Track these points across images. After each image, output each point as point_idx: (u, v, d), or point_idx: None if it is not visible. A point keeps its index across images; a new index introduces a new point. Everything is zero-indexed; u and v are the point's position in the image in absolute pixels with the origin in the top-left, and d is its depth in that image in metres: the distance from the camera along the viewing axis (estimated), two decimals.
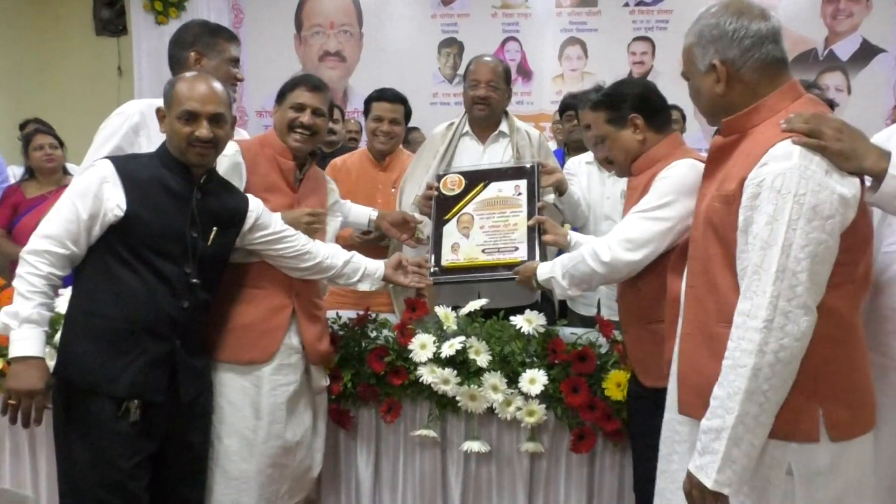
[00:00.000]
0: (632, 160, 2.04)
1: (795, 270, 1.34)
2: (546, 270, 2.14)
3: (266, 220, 2.08)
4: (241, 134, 2.52)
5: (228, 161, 2.11)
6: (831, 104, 2.66)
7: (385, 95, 3.16)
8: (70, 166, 3.98)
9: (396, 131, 3.15)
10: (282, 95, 2.25)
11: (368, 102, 3.21)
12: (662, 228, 1.89)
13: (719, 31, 1.52)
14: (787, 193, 1.35)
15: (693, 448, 1.52)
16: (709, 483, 1.39)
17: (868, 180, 1.46)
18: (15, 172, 4.22)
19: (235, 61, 2.44)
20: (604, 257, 1.95)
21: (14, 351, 1.78)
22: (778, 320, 1.34)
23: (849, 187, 1.38)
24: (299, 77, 2.27)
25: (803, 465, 1.42)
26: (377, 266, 2.32)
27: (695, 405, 1.52)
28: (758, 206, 1.38)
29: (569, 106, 3.84)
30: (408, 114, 3.21)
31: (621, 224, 1.98)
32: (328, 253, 2.21)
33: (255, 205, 2.07)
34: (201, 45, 2.38)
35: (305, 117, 2.19)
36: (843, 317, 1.43)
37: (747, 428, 1.37)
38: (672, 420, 1.67)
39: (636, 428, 2.09)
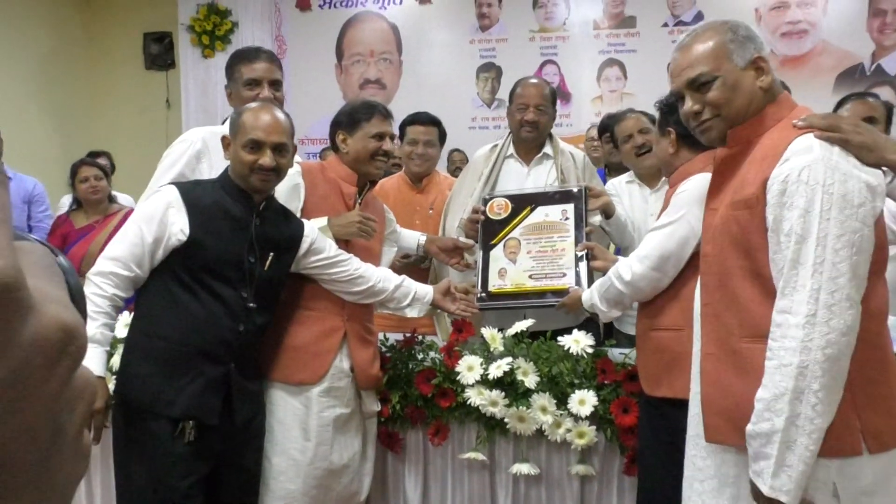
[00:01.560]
0: (667, 170, 2.09)
1: (835, 262, 1.31)
2: (588, 297, 2.19)
3: (320, 245, 2.12)
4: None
5: (289, 180, 2.15)
6: (890, 109, 2.66)
7: (418, 119, 3.18)
8: (120, 196, 4.08)
9: (431, 154, 3.16)
10: (354, 124, 2.25)
11: (403, 127, 3.23)
12: (676, 242, 1.91)
13: (749, 32, 1.56)
14: (815, 184, 1.34)
15: (724, 482, 1.50)
16: (764, 489, 1.34)
17: (887, 178, 1.46)
18: (65, 202, 4.36)
19: (252, 82, 2.37)
20: (626, 276, 1.99)
21: None
22: (821, 314, 1.30)
23: (873, 176, 1.38)
24: (370, 105, 2.30)
25: (848, 484, 1.37)
26: (426, 291, 2.33)
27: (724, 430, 1.48)
28: (786, 202, 1.37)
29: (607, 127, 3.84)
30: (442, 135, 3.23)
31: (642, 242, 2.02)
32: (380, 277, 2.23)
33: (310, 230, 2.11)
34: (227, 76, 2.44)
35: (388, 145, 2.26)
36: (875, 317, 1.39)
37: (801, 431, 1.31)
38: (694, 457, 1.61)
39: (643, 436, 2.08)
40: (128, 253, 1.86)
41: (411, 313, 2.34)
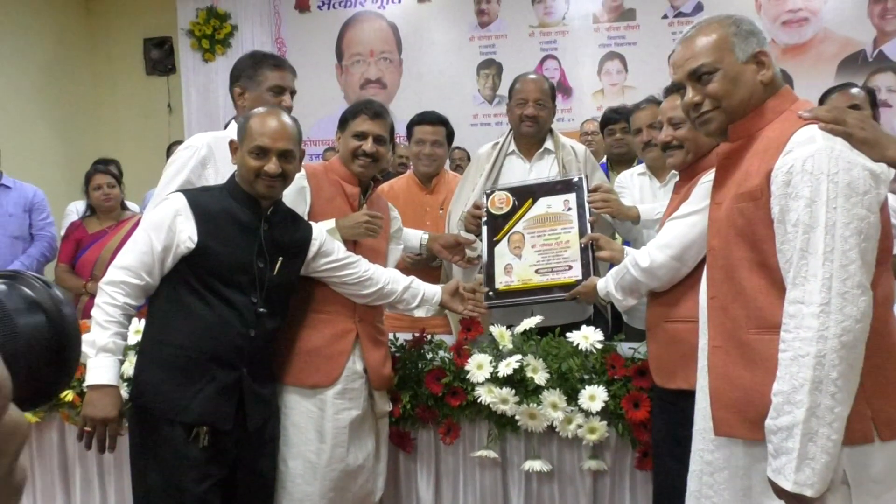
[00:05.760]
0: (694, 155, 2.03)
1: (844, 249, 1.31)
2: (603, 286, 2.18)
3: (329, 248, 2.12)
4: None
5: (294, 184, 2.16)
6: (873, 94, 2.67)
7: (426, 118, 3.16)
8: (126, 203, 4.11)
9: (439, 153, 3.16)
10: (344, 122, 2.29)
11: (410, 126, 3.23)
12: (699, 232, 1.87)
13: (753, 27, 1.56)
14: (819, 174, 1.34)
15: (735, 473, 1.49)
16: (788, 485, 1.33)
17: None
18: (78, 208, 4.39)
19: (279, 89, 2.38)
20: (642, 263, 1.97)
21: (90, 379, 1.85)
22: (835, 302, 1.30)
23: (876, 164, 1.39)
24: (360, 104, 2.30)
25: (858, 471, 1.37)
26: (435, 291, 2.33)
27: (733, 423, 1.48)
28: (791, 193, 1.37)
29: (610, 120, 3.84)
30: (450, 135, 3.21)
31: (662, 230, 2.00)
32: (389, 279, 2.23)
33: (319, 233, 2.12)
34: (244, 78, 2.40)
35: (367, 145, 2.23)
36: (881, 305, 1.39)
37: (822, 421, 1.30)
38: (702, 451, 1.61)
39: (656, 430, 2.08)
40: (138, 262, 1.88)
41: (419, 314, 2.34)
